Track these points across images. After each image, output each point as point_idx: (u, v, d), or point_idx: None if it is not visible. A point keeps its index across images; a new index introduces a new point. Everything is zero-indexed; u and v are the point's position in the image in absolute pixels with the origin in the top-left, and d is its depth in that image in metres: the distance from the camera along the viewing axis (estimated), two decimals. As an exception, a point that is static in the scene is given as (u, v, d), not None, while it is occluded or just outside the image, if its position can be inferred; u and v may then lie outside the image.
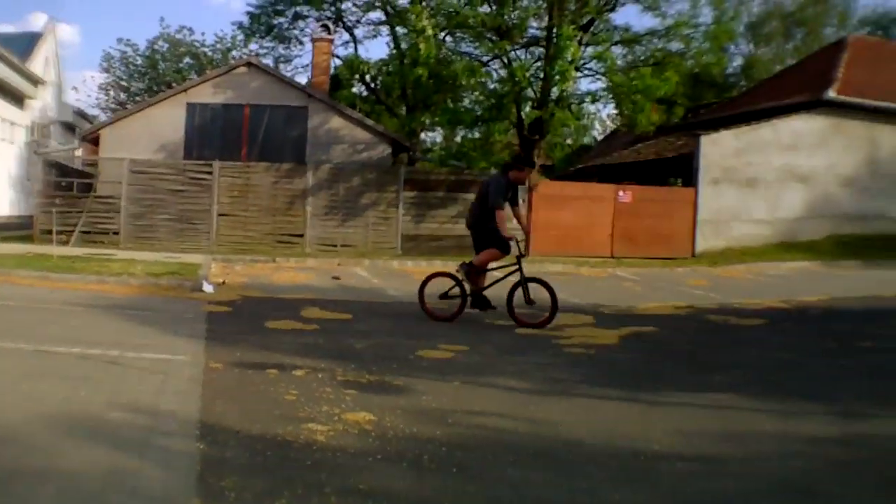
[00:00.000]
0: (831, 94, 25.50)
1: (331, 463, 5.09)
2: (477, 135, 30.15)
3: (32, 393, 6.29)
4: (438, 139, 44.19)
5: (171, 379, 7.17)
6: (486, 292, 11.58)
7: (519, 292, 11.23)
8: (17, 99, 32.29)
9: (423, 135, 36.92)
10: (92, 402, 6.11)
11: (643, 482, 5.05)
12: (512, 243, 11.24)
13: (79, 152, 31.39)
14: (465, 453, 5.42)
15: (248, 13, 34.06)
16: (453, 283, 11.65)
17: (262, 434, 5.61)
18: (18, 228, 26.82)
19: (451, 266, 12.32)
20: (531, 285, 11.23)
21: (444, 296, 11.64)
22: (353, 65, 28.42)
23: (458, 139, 35.03)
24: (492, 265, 11.61)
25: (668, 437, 5.94)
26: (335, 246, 22.77)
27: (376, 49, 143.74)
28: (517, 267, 11.37)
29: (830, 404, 7.10)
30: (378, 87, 32.88)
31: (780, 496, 4.91)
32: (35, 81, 33.40)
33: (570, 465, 5.34)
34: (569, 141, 41.28)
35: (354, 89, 32.49)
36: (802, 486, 5.03)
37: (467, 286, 11.52)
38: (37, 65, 36.11)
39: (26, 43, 36.63)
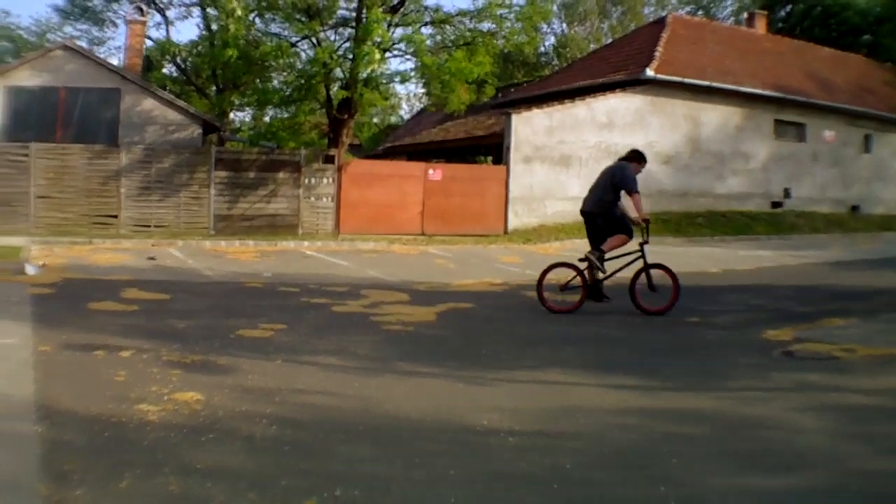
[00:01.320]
0: (650, 72, 26.22)
1: (165, 443, 5.15)
2: (286, 115, 30.16)
3: None
4: (248, 119, 43.87)
5: (2, 362, 7.00)
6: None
7: (643, 278, 11.05)
8: None
9: (232, 115, 36.43)
10: None
11: (476, 456, 5.10)
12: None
13: None
14: (296, 431, 5.51)
15: (64, -6, 33.06)
16: (574, 273, 11.19)
17: (98, 416, 5.61)
18: None
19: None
20: (654, 272, 11.08)
21: (566, 287, 11.20)
22: (164, 47, 27.85)
23: (268, 119, 34.94)
24: (613, 253, 11.22)
25: (497, 413, 5.99)
26: (149, 227, 22.17)
27: (188, 30, 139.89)
28: (640, 253, 11.17)
29: (657, 379, 7.32)
30: (188, 68, 32.29)
31: (617, 469, 5.00)
32: None
33: (401, 440, 5.38)
34: (376, 120, 41.77)
35: (165, 70, 31.84)
36: (637, 459, 5.16)
37: (589, 276, 11.16)
38: None
39: None
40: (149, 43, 29.89)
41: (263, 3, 24.04)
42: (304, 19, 23.89)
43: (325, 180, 23.37)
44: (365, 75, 22.94)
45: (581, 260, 11.21)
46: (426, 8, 25.47)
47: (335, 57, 22.74)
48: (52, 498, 4.15)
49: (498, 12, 24.04)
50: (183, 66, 32.21)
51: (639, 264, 11.20)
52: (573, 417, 6.08)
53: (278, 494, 4.39)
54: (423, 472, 4.82)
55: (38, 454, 4.78)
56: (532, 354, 8.47)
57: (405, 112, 48.49)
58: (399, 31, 24.20)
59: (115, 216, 22.24)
